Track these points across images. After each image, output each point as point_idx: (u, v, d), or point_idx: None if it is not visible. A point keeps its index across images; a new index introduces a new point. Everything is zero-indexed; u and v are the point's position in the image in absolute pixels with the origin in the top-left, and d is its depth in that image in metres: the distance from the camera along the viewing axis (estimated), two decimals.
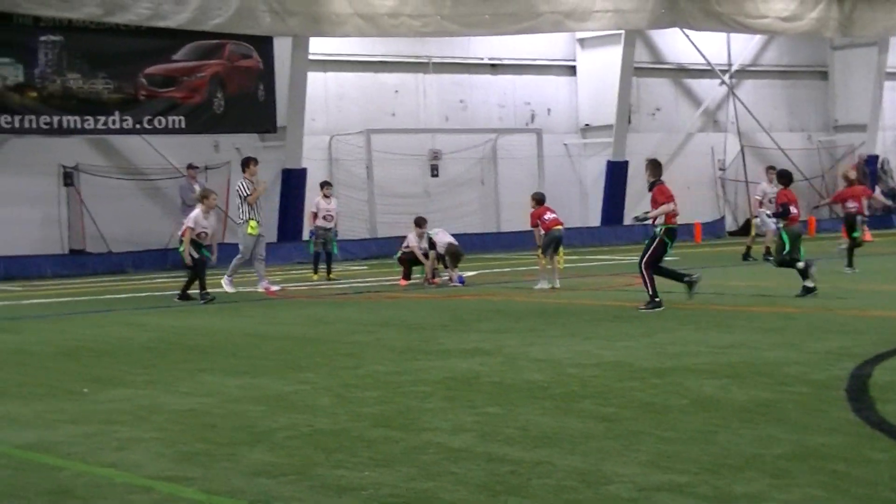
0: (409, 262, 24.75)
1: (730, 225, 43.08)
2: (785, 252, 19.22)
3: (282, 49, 33.49)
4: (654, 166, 18.77)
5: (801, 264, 18.83)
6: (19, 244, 31.18)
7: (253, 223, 23.08)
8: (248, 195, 23.26)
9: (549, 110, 40.36)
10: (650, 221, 18.22)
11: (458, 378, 11.53)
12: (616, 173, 39.62)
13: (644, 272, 17.67)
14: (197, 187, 28.33)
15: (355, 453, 8.34)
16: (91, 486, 7.70)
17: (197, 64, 32.56)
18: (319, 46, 34.78)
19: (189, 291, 21.59)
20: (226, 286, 23.09)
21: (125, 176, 32.42)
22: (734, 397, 9.95)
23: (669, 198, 18.02)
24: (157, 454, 8.57)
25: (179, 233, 22.14)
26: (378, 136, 36.36)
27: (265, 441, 8.87)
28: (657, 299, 17.38)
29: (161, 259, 31.87)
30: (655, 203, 18.05)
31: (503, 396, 10.42)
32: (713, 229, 41.70)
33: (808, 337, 13.71)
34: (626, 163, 39.64)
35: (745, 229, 42.69)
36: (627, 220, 39.78)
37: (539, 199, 22.87)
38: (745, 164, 42.93)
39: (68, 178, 31.82)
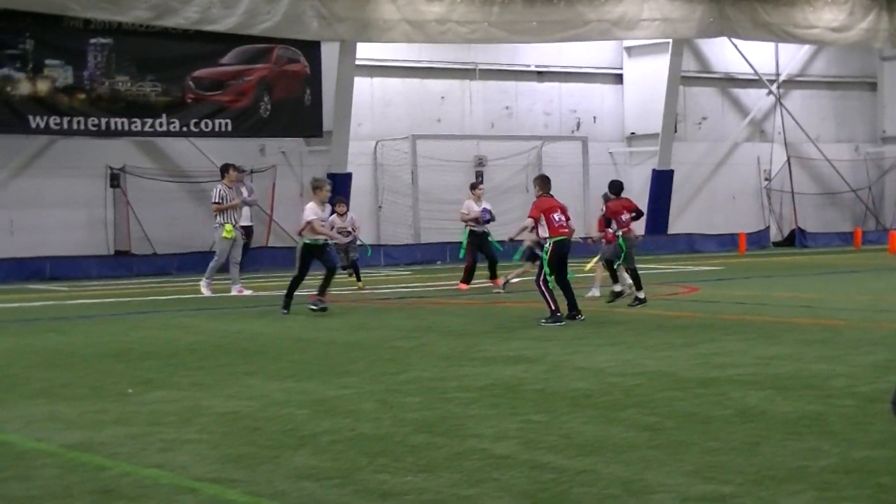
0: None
1: (774, 235, 42.86)
2: (620, 260, 19.61)
3: (329, 54, 33.58)
4: (542, 181, 18.58)
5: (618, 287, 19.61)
6: (66, 245, 31.43)
7: (228, 227, 24.12)
8: (217, 202, 24.36)
9: (594, 118, 40.29)
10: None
11: (502, 385, 11.53)
12: (661, 182, 39.50)
13: (538, 288, 17.50)
14: (244, 190, 28.43)
15: (398, 458, 8.35)
16: (136, 487, 7.74)
17: (244, 68, 32.69)
18: (366, 52, 34.85)
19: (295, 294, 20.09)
20: (204, 290, 23.81)
21: (171, 178, 32.59)
22: (779, 409, 9.90)
23: (537, 212, 17.85)
24: (202, 456, 8.61)
25: (300, 230, 20.70)
26: (423, 141, 36.40)
27: (309, 445, 8.89)
28: (558, 314, 17.25)
29: (205, 262, 31.93)
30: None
31: (546, 404, 10.41)
32: (758, 240, 41.50)
33: (853, 349, 13.62)
34: (672, 172, 39.52)
35: (789, 239, 42.57)
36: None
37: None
38: (791, 175, 42.71)
39: (115, 179, 32.02)
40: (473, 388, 11.40)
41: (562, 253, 17.80)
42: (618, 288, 19.53)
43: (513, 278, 23.60)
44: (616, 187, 20.47)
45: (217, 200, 24.44)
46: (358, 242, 25.53)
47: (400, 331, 16.87)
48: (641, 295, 19.29)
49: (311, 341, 15.86)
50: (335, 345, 15.40)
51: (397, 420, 9.83)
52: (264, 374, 12.79)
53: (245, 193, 28.33)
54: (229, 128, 32.48)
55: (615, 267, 19.71)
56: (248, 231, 29.31)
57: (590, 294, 21.68)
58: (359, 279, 25.28)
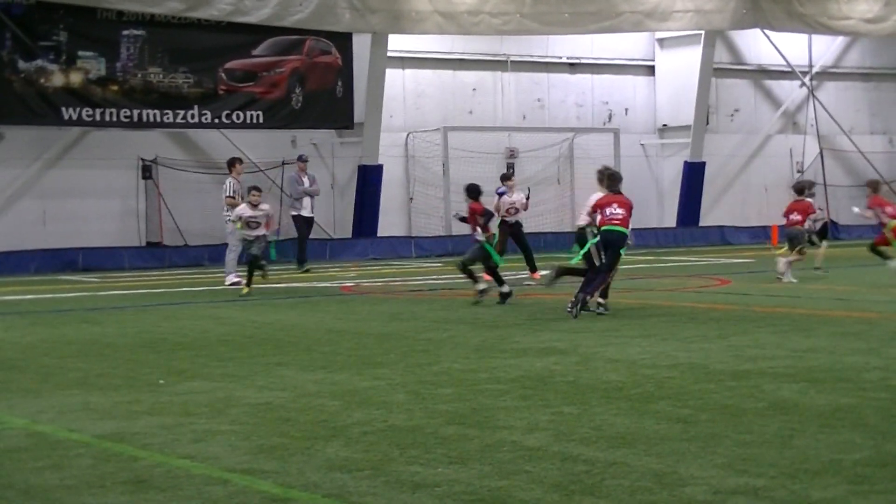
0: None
1: (809, 227, 42.56)
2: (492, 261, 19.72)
3: (361, 45, 33.59)
4: (607, 179, 18.04)
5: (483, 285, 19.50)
6: (98, 236, 31.56)
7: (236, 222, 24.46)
8: (230, 196, 25.01)
9: (626, 110, 40.18)
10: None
11: (534, 377, 11.51)
12: (693, 174, 39.37)
13: (599, 278, 17.40)
14: (306, 180, 28.52)
15: (430, 450, 8.35)
16: (168, 477, 7.77)
17: (277, 59, 32.74)
18: (398, 43, 34.85)
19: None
20: (232, 279, 24.05)
21: (203, 170, 32.66)
22: (812, 401, 9.86)
23: (592, 210, 17.68)
24: (234, 447, 8.63)
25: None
26: (455, 133, 36.37)
27: (340, 436, 8.90)
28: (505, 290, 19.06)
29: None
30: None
31: (578, 396, 10.39)
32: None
33: (888, 342, 13.55)
34: (704, 164, 39.40)
35: (822, 233, 42.32)
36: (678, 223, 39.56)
37: None
38: (823, 167, 42.51)
39: (147, 171, 32.12)
40: (505, 379, 11.39)
41: (607, 242, 17.41)
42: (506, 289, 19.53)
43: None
44: (474, 191, 20.44)
45: (230, 194, 24.85)
46: (269, 238, 22.98)
47: (432, 322, 16.88)
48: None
49: (343, 332, 15.88)
50: (367, 336, 15.41)
51: (429, 411, 9.83)
52: (296, 364, 12.81)
53: (307, 183, 28.47)
54: (261, 119, 32.53)
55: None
56: (309, 222, 29.17)
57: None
58: (250, 283, 22.28)
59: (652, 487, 7.20)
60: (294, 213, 28.96)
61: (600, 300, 17.39)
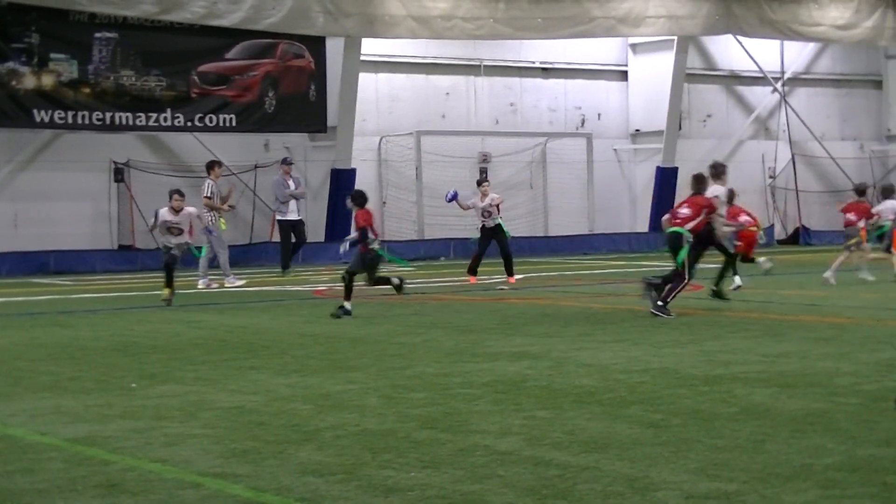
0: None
1: (779, 233, 42.83)
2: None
3: (334, 49, 33.59)
4: (692, 181, 18.61)
5: (396, 280, 19.29)
6: (70, 239, 31.46)
7: (222, 220, 24.62)
8: (209, 196, 25.31)
9: (599, 115, 40.27)
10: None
11: (506, 381, 11.53)
12: (666, 179, 39.48)
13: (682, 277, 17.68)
14: (291, 183, 28.40)
15: (403, 454, 8.35)
16: (140, 481, 7.75)
17: (250, 63, 32.71)
18: (371, 47, 34.85)
19: None
20: (234, 282, 24.16)
21: (175, 173, 32.57)
22: (784, 406, 9.90)
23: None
24: (206, 451, 8.62)
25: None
26: (428, 137, 36.39)
27: (313, 440, 8.90)
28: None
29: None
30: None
31: (551, 400, 10.41)
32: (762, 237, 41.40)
33: (859, 347, 13.61)
34: (676, 169, 39.50)
35: (793, 238, 42.54)
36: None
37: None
38: (795, 173, 42.69)
39: (119, 174, 32.04)
40: (478, 384, 11.40)
41: (668, 241, 18.26)
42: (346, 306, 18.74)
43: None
44: (359, 198, 19.32)
45: (209, 195, 24.97)
46: (189, 244, 21.66)
47: (405, 326, 16.88)
48: None
49: (316, 336, 15.86)
50: (340, 340, 15.40)
51: (402, 415, 9.83)
52: (269, 368, 12.79)
53: (292, 186, 28.37)
54: (234, 123, 32.50)
55: None
56: (296, 226, 28.75)
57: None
58: (169, 284, 20.98)
59: (624, 492, 7.22)
60: (280, 217, 28.64)
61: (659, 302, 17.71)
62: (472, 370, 12.32)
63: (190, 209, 21.42)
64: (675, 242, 18.16)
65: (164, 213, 21.05)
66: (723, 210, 19.57)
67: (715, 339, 14.58)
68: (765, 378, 11.39)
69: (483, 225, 24.59)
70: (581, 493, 7.22)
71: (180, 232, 20.99)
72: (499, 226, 24.54)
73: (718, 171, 20.15)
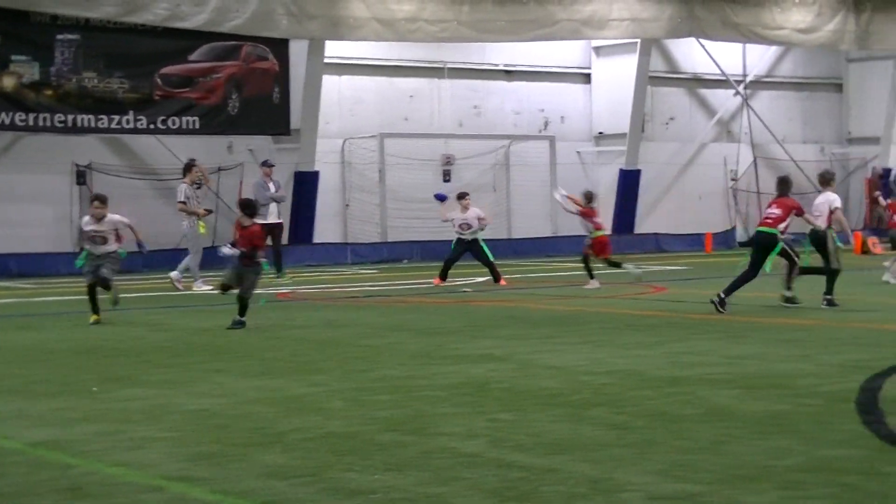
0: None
1: (740, 235, 42.99)
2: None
3: (298, 52, 33.54)
4: (777, 183, 19.59)
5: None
6: (33, 242, 31.28)
7: (202, 223, 24.51)
8: (182, 201, 25.21)
9: (562, 118, 40.34)
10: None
11: (471, 383, 11.54)
12: (629, 182, 39.59)
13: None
14: (272, 186, 28.18)
15: (367, 457, 8.36)
16: (103, 485, 7.72)
17: (213, 65, 32.62)
18: (335, 50, 34.81)
19: None
20: (202, 287, 24.03)
21: (138, 176, 32.46)
22: (747, 408, 9.95)
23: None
24: (170, 454, 8.60)
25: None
26: (392, 140, 36.38)
27: (278, 443, 8.89)
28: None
29: (173, 259, 31.87)
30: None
31: (515, 403, 10.43)
32: (724, 240, 41.64)
33: (822, 349, 13.70)
34: (639, 171, 39.62)
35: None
36: (639, 229, 39.87)
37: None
38: (757, 176, 42.86)
39: (81, 176, 31.87)
40: (442, 386, 11.42)
41: (759, 241, 19.20)
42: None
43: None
44: (249, 207, 18.03)
45: (182, 200, 24.89)
46: (117, 252, 18.98)
47: (369, 329, 16.88)
48: None
49: (281, 339, 15.84)
50: (305, 342, 15.39)
51: (366, 418, 9.84)
52: (234, 371, 12.77)
53: (273, 189, 28.20)
54: (197, 125, 32.40)
55: None
56: (274, 229, 28.16)
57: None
58: (96, 310, 18.64)
59: (588, 494, 7.24)
60: (259, 220, 28.19)
61: (786, 293, 18.85)
62: (436, 373, 12.34)
63: (114, 216, 18.65)
64: (767, 241, 18.89)
65: (86, 222, 18.68)
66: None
67: (679, 341, 14.64)
68: (728, 380, 11.45)
69: (459, 238, 24.88)
70: (545, 495, 7.24)
71: (104, 241, 18.43)
72: (476, 240, 24.71)
73: (827, 177, 20.63)
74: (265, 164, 29.07)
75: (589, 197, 25.08)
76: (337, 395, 11.04)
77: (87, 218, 18.87)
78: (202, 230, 24.99)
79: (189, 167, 25.87)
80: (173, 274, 24.77)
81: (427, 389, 11.23)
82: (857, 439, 8.66)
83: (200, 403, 10.69)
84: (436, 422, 9.61)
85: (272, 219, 27.99)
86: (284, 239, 33.59)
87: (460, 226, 24.85)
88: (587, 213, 24.77)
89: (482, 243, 24.87)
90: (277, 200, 28.36)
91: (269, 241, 27.94)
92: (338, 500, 7.27)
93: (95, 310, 18.44)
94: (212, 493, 7.47)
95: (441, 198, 25.91)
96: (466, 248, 24.83)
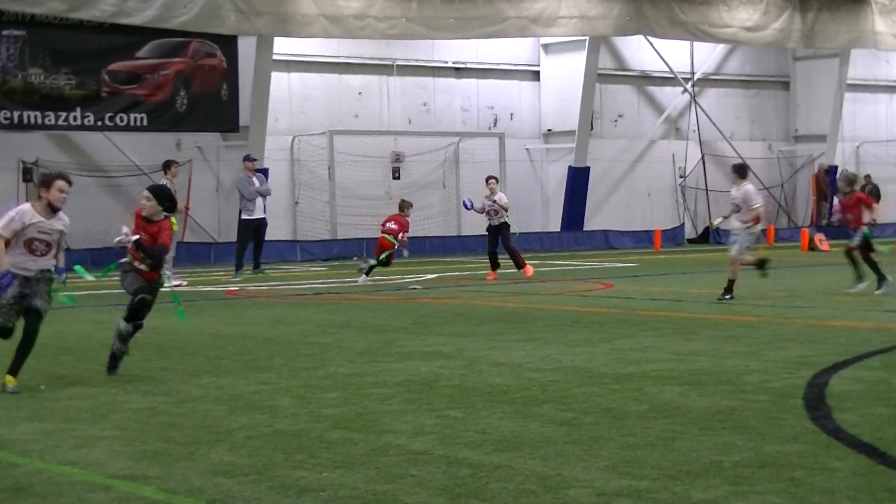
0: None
1: (689, 232, 43.25)
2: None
3: (246, 48, 33.41)
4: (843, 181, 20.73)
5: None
6: None
7: (174, 219, 24.23)
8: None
9: (511, 115, 40.41)
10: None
11: (419, 381, 11.54)
12: (578, 179, 39.69)
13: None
14: (256, 180, 27.99)
15: (315, 454, 8.33)
16: (49, 484, 7.66)
17: (161, 62, 32.44)
18: (284, 47, 34.72)
19: None
20: (173, 282, 23.90)
21: (86, 173, 32.22)
22: (694, 404, 10.00)
23: None
24: (117, 453, 8.54)
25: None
26: (341, 137, 36.30)
27: (225, 441, 8.85)
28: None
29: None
30: None
31: (463, 400, 10.43)
32: (673, 236, 41.86)
33: (767, 345, 13.78)
34: (588, 169, 39.73)
35: (703, 237, 42.98)
36: (587, 227, 40.03)
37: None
38: (705, 173, 43.12)
39: (28, 173, 31.61)
40: (390, 383, 11.40)
41: (864, 239, 20.67)
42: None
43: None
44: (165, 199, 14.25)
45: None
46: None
47: (317, 326, 16.84)
48: None
49: (228, 337, 15.78)
50: (252, 340, 15.33)
51: (314, 416, 9.81)
52: (181, 369, 12.70)
53: (257, 183, 28.00)
54: (145, 122, 32.20)
55: None
56: (260, 225, 28.06)
57: None
58: (15, 371, 11.71)
59: (536, 490, 7.25)
60: (246, 216, 27.90)
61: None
62: (384, 370, 12.32)
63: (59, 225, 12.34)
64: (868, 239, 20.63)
65: (26, 213, 11.90)
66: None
67: (626, 338, 14.69)
68: (675, 376, 11.50)
69: (489, 225, 25.89)
70: (493, 492, 7.24)
71: (47, 250, 12.16)
72: (503, 223, 25.55)
73: (743, 172, 20.68)
74: (247, 158, 28.88)
75: (402, 207, 25.27)
76: (284, 392, 11.01)
77: (27, 207, 12.05)
78: (174, 227, 24.75)
79: (169, 164, 25.68)
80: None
81: (375, 387, 11.22)
82: (805, 435, 8.72)
83: (146, 402, 10.63)
84: (384, 419, 9.60)
85: (258, 214, 27.82)
86: (233, 236, 33.51)
87: (488, 213, 25.62)
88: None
89: (512, 227, 25.78)
90: (264, 194, 28.12)
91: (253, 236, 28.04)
92: (286, 497, 7.24)
93: (14, 371, 11.62)
94: (159, 491, 7.43)
95: (470, 206, 26.66)
96: (496, 234, 25.62)
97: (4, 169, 31.43)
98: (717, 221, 22.34)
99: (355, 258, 25.79)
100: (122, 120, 31.86)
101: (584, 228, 40.10)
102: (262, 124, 33.78)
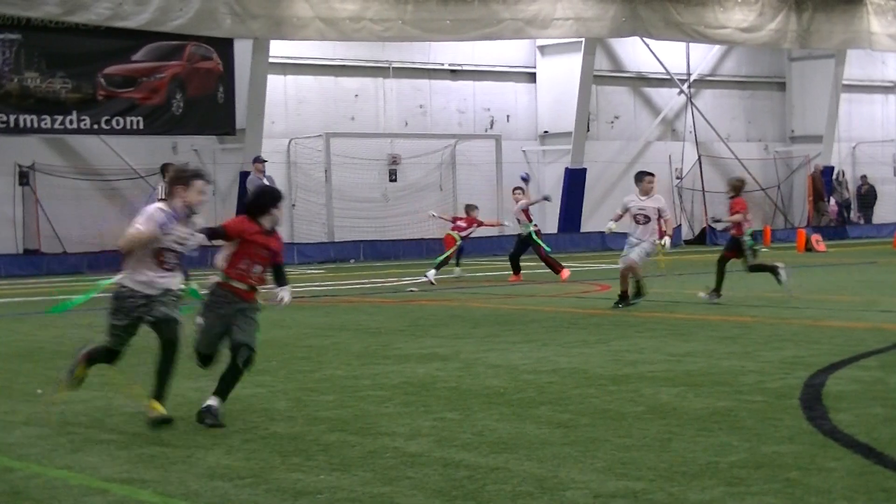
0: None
1: (686, 233, 43.24)
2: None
3: (242, 51, 33.42)
4: None
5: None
6: None
7: None
8: (163, 199, 24.24)
9: (508, 117, 40.43)
10: None
11: (416, 383, 11.54)
12: (574, 180, 39.72)
13: None
14: (265, 181, 27.99)
15: (312, 457, 8.34)
16: (45, 489, 7.66)
17: (157, 65, 32.44)
18: (280, 49, 34.72)
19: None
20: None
21: (82, 176, 32.25)
22: (690, 405, 10.00)
23: None
24: (113, 456, 8.54)
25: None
26: (337, 139, 36.31)
27: (222, 444, 8.85)
28: None
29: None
30: None
31: (460, 402, 10.43)
32: None
33: (763, 346, 13.78)
34: (585, 170, 39.77)
35: (700, 237, 43.01)
36: (583, 228, 40.04)
37: None
38: (702, 174, 43.13)
39: (24, 177, 31.63)
40: (387, 386, 11.40)
41: None
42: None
43: None
44: None
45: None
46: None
47: (314, 329, 16.84)
48: None
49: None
50: None
51: (311, 419, 9.81)
52: (178, 372, 12.65)
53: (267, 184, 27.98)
54: (141, 125, 32.21)
55: None
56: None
57: None
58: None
59: (533, 492, 7.26)
60: None
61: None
62: (381, 372, 12.32)
63: None
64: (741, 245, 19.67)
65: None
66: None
67: (622, 339, 14.69)
68: (671, 377, 11.50)
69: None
70: (490, 494, 7.25)
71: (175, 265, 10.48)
72: (530, 234, 25.51)
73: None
74: (257, 160, 28.92)
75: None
76: (281, 395, 11.00)
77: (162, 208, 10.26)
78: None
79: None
80: None
81: (371, 389, 11.22)
82: (801, 435, 8.72)
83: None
84: (381, 421, 9.60)
85: None
86: None
87: (517, 219, 25.92)
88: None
89: (535, 239, 25.64)
90: None
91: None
92: (283, 500, 7.24)
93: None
94: (155, 495, 7.43)
95: (525, 178, 27.37)
96: (525, 242, 25.68)
97: (1, 173, 31.44)
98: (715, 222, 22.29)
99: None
100: (118, 123, 31.87)
101: (581, 230, 40.09)
102: (258, 127, 33.79)
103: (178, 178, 10.30)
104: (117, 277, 10.21)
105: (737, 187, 20.52)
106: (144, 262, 10.02)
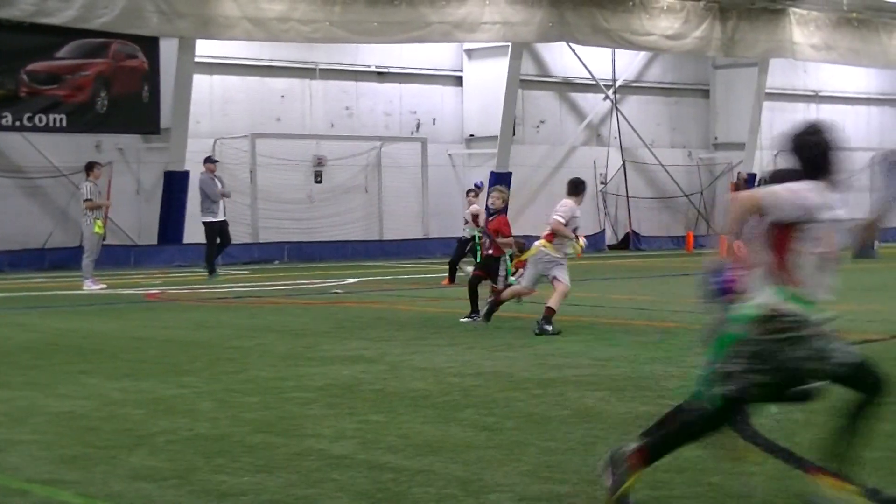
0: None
1: (610, 238, 43.54)
2: None
3: (168, 50, 33.21)
4: None
5: None
6: None
7: (98, 223, 24.20)
8: (88, 199, 24.73)
9: (434, 120, 40.47)
10: None
11: (341, 385, 11.53)
12: (499, 184, 39.72)
13: None
14: (218, 182, 27.74)
15: (236, 458, 8.31)
16: None
17: (81, 62, 32.16)
18: (206, 49, 34.54)
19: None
20: (91, 287, 23.80)
21: (4, 174, 31.90)
22: (614, 409, 10.08)
23: None
24: (35, 457, 8.47)
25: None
26: (263, 140, 36.20)
27: (145, 445, 8.80)
28: None
29: (39, 259, 31.42)
30: None
31: (385, 404, 10.44)
32: (593, 242, 41.99)
33: (686, 351, 13.84)
34: (510, 174, 39.88)
35: (624, 242, 43.32)
36: None
37: None
38: (626, 179, 43.43)
39: None
40: (312, 387, 11.39)
41: None
42: None
43: None
44: None
45: (88, 197, 24.56)
46: None
47: (239, 330, 16.76)
48: None
49: (148, 340, 15.67)
50: (173, 343, 15.23)
51: (235, 420, 9.78)
52: (100, 373, 12.60)
53: (219, 185, 27.77)
54: (65, 123, 31.93)
55: None
56: (223, 225, 27.78)
57: None
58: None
59: (458, 495, 7.28)
60: (210, 218, 27.61)
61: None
62: (306, 374, 12.30)
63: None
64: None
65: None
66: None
67: (547, 343, 14.76)
68: (596, 381, 11.57)
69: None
70: (415, 497, 7.26)
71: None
72: (473, 237, 24.11)
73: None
74: (209, 160, 28.68)
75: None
76: (205, 396, 10.96)
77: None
78: (98, 230, 24.55)
79: (92, 166, 25.43)
80: (87, 284, 24.30)
81: (296, 391, 11.20)
82: (722, 440, 8.78)
83: (66, 405, 10.53)
84: (305, 423, 9.59)
85: (221, 216, 27.60)
86: (153, 239, 33.36)
87: (465, 220, 25.41)
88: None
89: (476, 244, 24.17)
90: (227, 196, 28.02)
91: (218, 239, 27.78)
92: (207, 502, 7.22)
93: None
94: (79, 496, 7.38)
95: (479, 186, 26.96)
96: (465, 246, 24.80)
97: None
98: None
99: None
100: (41, 121, 31.56)
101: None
102: (183, 127, 33.60)
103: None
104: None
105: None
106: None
